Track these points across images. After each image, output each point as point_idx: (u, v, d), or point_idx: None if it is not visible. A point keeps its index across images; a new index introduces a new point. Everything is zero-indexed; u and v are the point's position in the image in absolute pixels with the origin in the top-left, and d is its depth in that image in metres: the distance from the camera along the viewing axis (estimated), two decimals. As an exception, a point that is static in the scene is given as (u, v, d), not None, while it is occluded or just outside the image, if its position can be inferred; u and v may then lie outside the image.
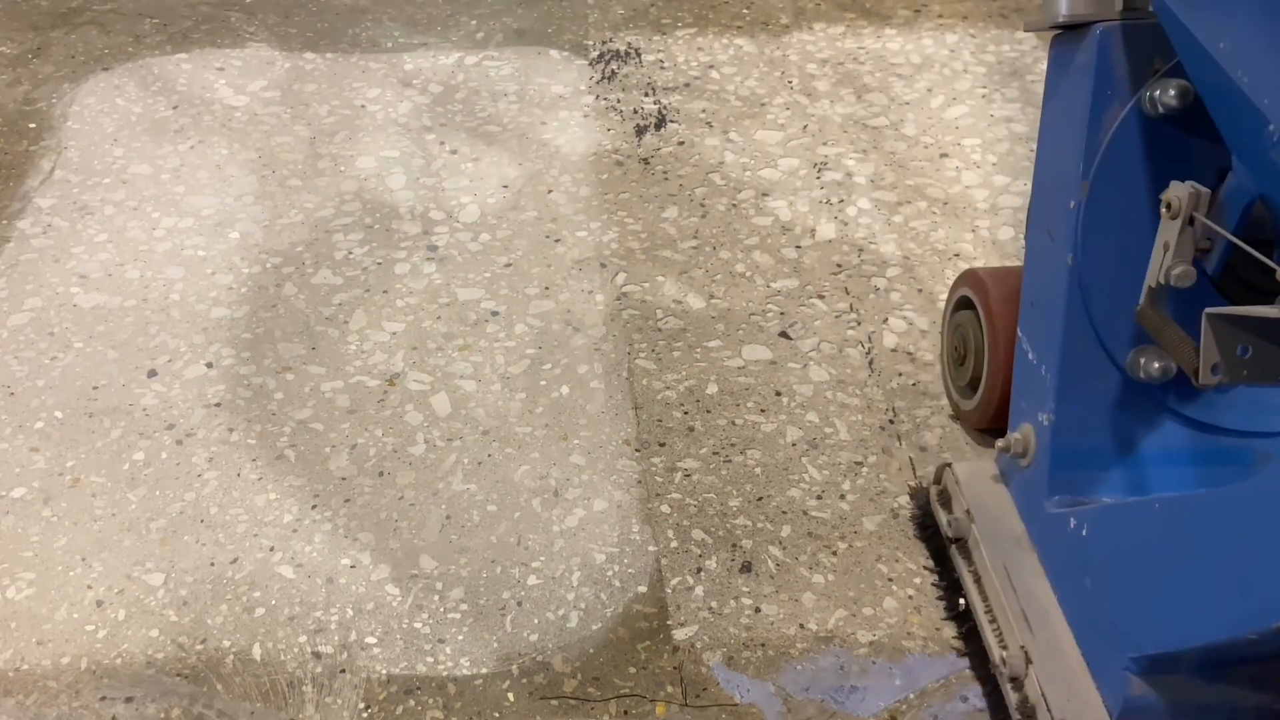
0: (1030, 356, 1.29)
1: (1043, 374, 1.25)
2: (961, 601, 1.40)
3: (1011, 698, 1.27)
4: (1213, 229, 1.03)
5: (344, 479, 1.59)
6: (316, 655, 1.38)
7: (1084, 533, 1.21)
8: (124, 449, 1.63)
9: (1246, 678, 1.15)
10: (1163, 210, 1.06)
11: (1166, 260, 1.06)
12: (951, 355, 1.63)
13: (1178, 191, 1.04)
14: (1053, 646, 1.24)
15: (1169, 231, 1.05)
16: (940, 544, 1.46)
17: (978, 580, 1.37)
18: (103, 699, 1.34)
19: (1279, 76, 0.89)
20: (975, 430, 1.62)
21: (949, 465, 1.45)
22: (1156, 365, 1.19)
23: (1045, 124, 1.24)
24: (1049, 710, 1.21)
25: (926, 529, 1.50)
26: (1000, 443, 1.37)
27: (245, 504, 1.56)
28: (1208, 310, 1.00)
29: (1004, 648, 1.29)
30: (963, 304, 1.59)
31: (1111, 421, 1.23)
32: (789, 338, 1.79)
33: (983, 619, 1.33)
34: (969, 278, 1.58)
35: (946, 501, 1.46)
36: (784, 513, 1.54)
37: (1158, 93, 1.10)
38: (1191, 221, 1.03)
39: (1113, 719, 1.18)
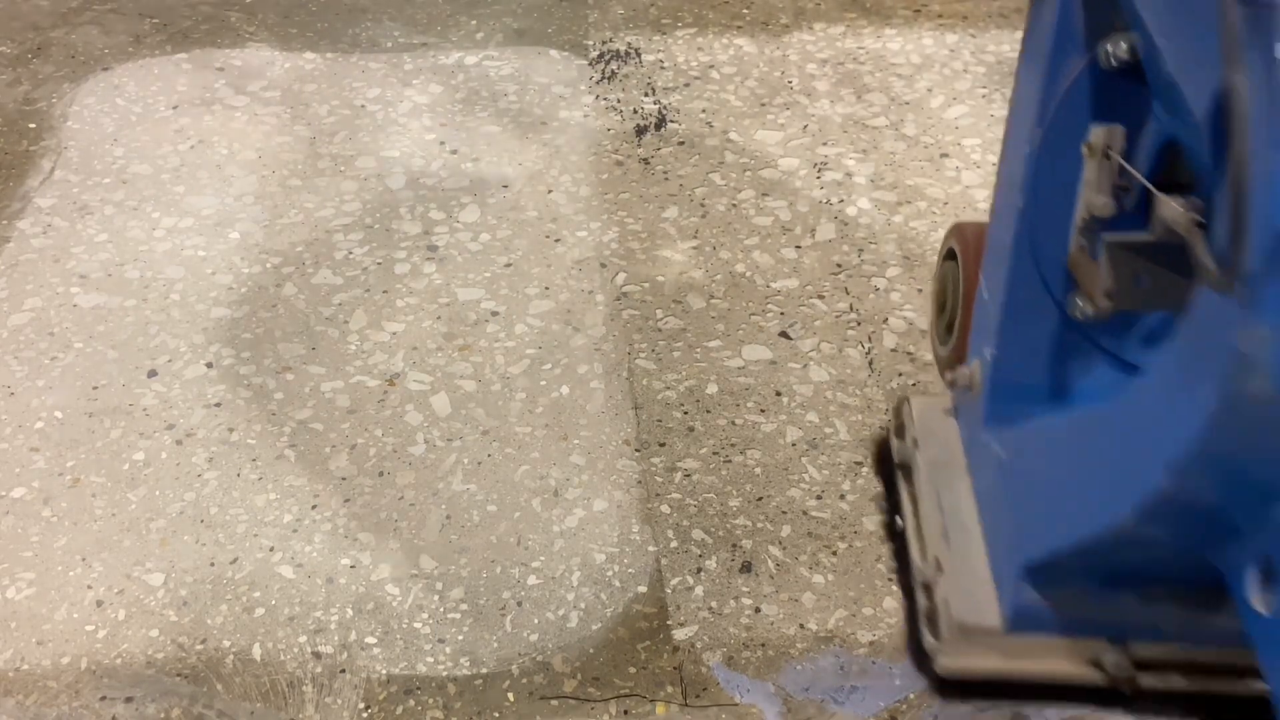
0: (985, 295, 1.34)
1: (991, 312, 1.31)
2: (897, 519, 1.48)
3: (921, 604, 1.37)
4: (1124, 165, 1.08)
5: (344, 479, 1.59)
6: (316, 655, 1.39)
7: (1001, 453, 1.32)
8: (124, 449, 1.63)
9: (1130, 597, 1.24)
10: (1084, 151, 1.11)
11: (1088, 195, 1.11)
12: (935, 302, 1.62)
13: (1097, 130, 1.09)
14: (965, 559, 1.35)
15: (1090, 170, 1.11)
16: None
17: (914, 502, 1.46)
18: (103, 699, 1.34)
19: (1188, 43, 0.95)
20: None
21: (907, 399, 1.53)
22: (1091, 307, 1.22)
23: (1017, 76, 1.29)
24: (949, 613, 1.31)
25: (885, 463, 1.56)
26: (949, 375, 1.43)
27: (245, 504, 1.56)
28: (1104, 236, 1.07)
29: (923, 559, 1.38)
30: (949, 256, 1.58)
31: (1049, 359, 1.28)
32: (789, 338, 1.79)
33: (910, 535, 1.43)
34: (956, 231, 1.56)
35: (900, 431, 1.53)
36: (784, 513, 1.54)
37: (1110, 46, 1.13)
38: (1108, 157, 1.08)
39: (1004, 624, 1.29)
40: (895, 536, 1.48)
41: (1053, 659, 1.31)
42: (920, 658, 1.37)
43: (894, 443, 1.54)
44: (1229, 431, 0.95)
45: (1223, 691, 1.28)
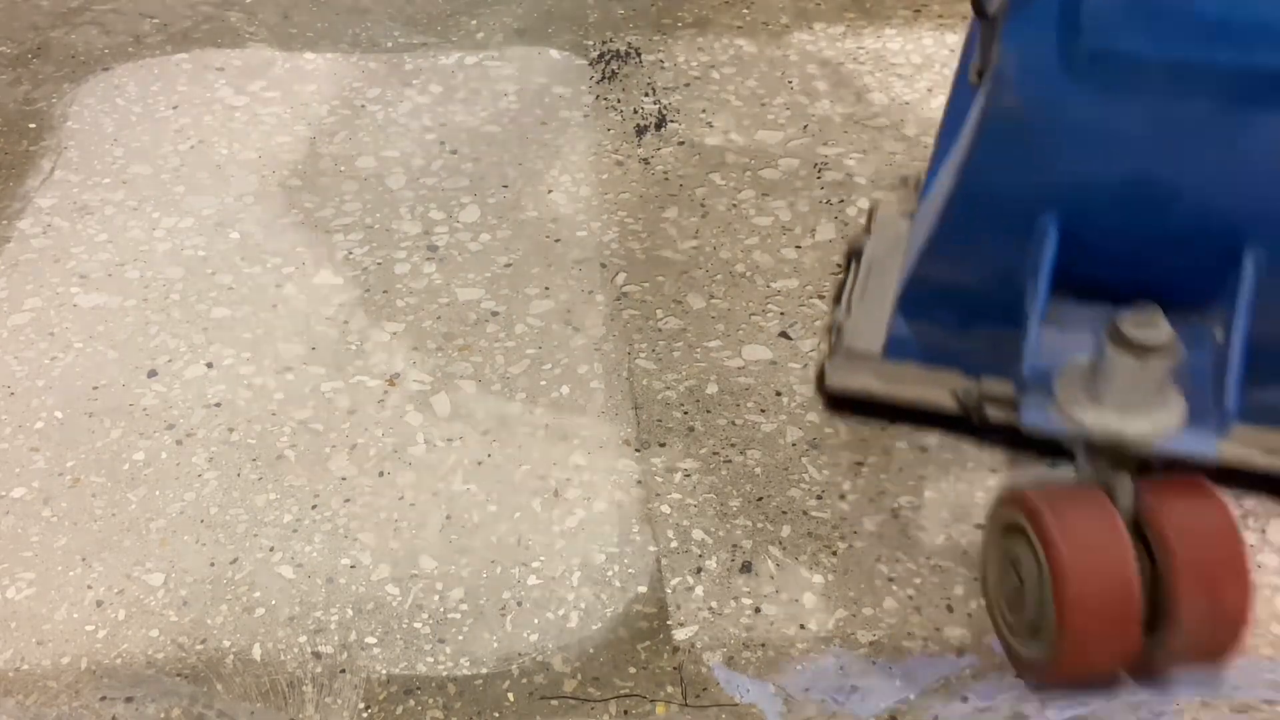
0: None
1: (937, 156, 1.67)
2: (838, 297, 1.76)
3: (828, 343, 1.70)
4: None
5: (344, 479, 1.59)
6: (316, 655, 1.39)
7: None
8: (124, 449, 1.63)
9: (981, 337, 1.50)
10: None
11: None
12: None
13: None
14: (871, 309, 1.67)
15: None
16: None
17: (854, 276, 1.75)
18: (103, 699, 1.34)
19: None
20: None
21: (879, 203, 1.91)
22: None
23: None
24: (843, 343, 1.64)
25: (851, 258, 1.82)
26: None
27: (245, 504, 1.56)
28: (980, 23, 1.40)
29: (842, 311, 1.69)
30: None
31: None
32: (789, 338, 1.79)
33: (842, 300, 1.71)
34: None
35: (867, 228, 1.85)
36: (784, 513, 1.54)
37: None
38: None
39: (882, 351, 1.62)
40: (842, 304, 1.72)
41: (918, 386, 1.59)
42: (825, 394, 1.68)
43: (861, 237, 1.83)
44: (996, 141, 1.33)
45: None
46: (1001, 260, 1.40)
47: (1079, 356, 1.38)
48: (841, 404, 1.66)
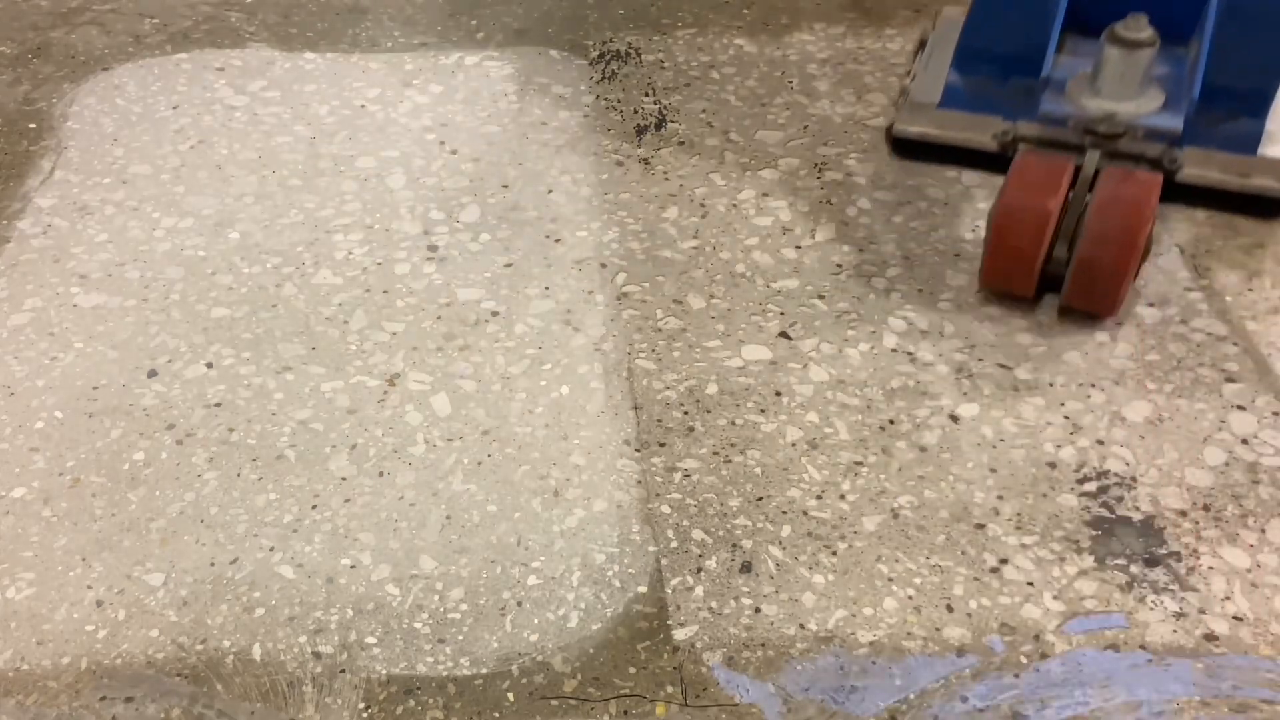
0: None
1: None
2: (909, 73, 2.25)
3: (897, 102, 2.22)
4: None
5: (344, 479, 1.59)
6: (316, 655, 1.39)
7: None
8: (124, 449, 1.63)
9: (1017, 86, 2.01)
10: None
11: None
12: None
13: None
14: (934, 73, 2.15)
15: None
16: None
17: (921, 55, 2.25)
18: (103, 699, 1.34)
19: None
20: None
21: (942, 9, 2.36)
22: None
23: None
24: (909, 98, 2.12)
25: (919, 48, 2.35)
26: None
27: (245, 504, 1.56)
28: None
29: (909, 78, 2.21)
30: None
31: None
32: (789, 338, 1.79)
33: (912, 69, 2.23)
34: None
35: (934, 25, 2.32)
36: (784, 513, 1.54)
37: None
38: None
39: (940, 101, 2.09)
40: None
41: (965, 130, 2.03)
42: (892, 140, 2.12)
43: (929, 30, 2.31)
44: None
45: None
46: (1025, 17, 1.98)
47: (1085, 69, 1.89)
48: (906, 148, 2.10)
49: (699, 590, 1.45)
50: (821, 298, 1.86)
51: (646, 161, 2.15)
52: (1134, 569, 1.46)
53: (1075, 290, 1.72)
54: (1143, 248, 1.69)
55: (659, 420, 1.67)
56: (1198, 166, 1.91)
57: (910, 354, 1.76)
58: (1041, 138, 1.86)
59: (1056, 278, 1.76)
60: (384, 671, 1.37)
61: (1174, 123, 1.82)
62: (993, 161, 2.00)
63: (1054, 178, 1.72)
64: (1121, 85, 1.79)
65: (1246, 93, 1.91)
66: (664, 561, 1.49)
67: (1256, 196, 1.92)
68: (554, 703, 1.34)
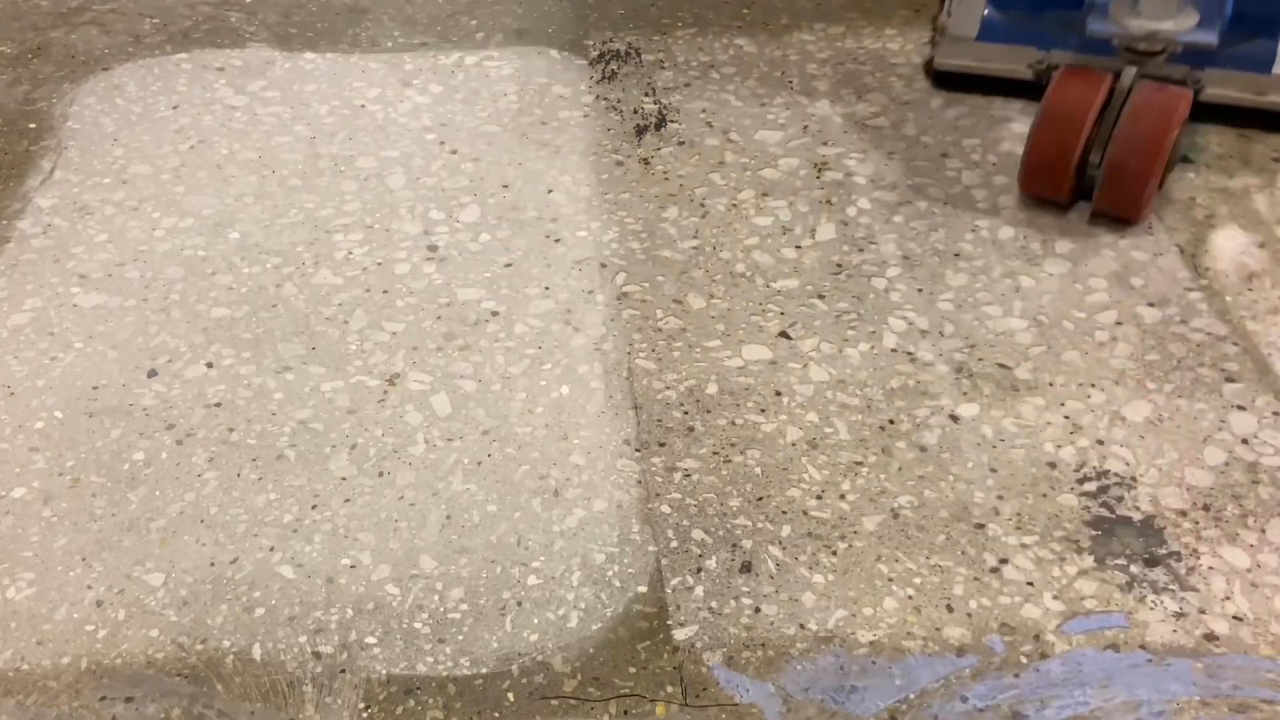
0: None
1: None
2: (944, 9, 2.34)
3: (933, 41, 2.42)
4: None
5: (344, 479, 1.59)
6: (316, 655, 1.39)
7: None
8: (124, 449, 1.63)
9: (1051, 18, 2.18)
10: None
11: None
12: None
13: None
14: (967, 9, 2.28)
15: None
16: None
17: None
18: (103, 699, 1.34)
19: None
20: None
21: None
22: None
23: None
24: (946, 31, 2.27)
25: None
26: None
27: (245, 504, 1.56)
28: None
29: (945, 14, 2.30)
30: None
31: None
32: (789, 338, 1.79)
33: (945, 4, 2.34)
34: None
35: None
36: (784, 513, 1.54)
37: None
38: None
39: (977, 34, 2.24)
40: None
41: (1004, 61, 2.20)
42: (931, 73, 2.31)
43: None
44: None
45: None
46: None
47: None
48: (946, 80, 2.27)
49: (699, 590, 1.45)
50: (821, 298, 1.86)
51: (646, 161, 2.15)
52: (1134, 569, 1.46)
53: (1105, 194, 1.88)
54: (1168, 153, 1.84)
55: (659, 420, 1.67)
56: (1218, 86, 2.08)
57: (910, 354, 1.76)
58: (1075, 65, 2.00)
59: (1089, 190, 1.93)
60: (384, 671, 1.37)
61: (1209, 38, 1.96)
62: (1031, 90, 2.18)
63: (1092, 87, 1.89)
64: (1163, 5, 1.95)
65: (1266, 14, 2.09)
66: (664, 561, 1.49)
67: (1273, 112, 2.11)
68: (554, 703, 1.34)
